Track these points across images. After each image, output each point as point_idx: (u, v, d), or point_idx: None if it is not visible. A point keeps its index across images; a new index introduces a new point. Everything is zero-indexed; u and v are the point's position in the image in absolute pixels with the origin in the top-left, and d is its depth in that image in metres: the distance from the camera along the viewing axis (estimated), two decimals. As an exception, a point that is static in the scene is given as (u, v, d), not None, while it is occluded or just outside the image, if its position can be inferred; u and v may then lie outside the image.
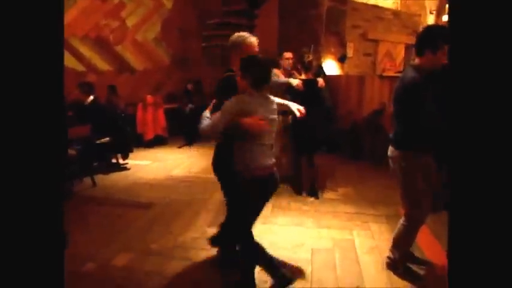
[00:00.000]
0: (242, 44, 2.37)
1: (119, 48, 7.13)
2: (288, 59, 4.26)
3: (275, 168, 2.23)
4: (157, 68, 7.69)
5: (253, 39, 2.39)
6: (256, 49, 2.39)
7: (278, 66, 4.34)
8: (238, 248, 2.35)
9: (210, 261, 2.74)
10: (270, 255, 2.34)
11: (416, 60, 2.29)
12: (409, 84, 2.25)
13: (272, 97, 2.26)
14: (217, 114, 2.08)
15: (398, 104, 2.36)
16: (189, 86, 6.99)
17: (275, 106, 2.23)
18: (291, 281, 2.35)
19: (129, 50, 7.28)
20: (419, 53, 2.27)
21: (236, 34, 2.43)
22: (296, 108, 2.46)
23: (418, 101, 2.20)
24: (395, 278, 2.54)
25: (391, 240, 2.62)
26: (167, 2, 7.68)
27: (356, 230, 3.29)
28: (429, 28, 2.51)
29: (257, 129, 2.06)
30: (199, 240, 3.04)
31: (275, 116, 2.20)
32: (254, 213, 2.24)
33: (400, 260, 2.60)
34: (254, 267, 2.34)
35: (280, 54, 4.41)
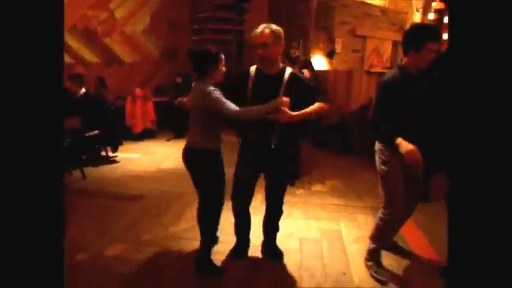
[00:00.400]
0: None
1: (107, 40, 7.07)
2: None
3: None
4: (146, 61, 7.64)
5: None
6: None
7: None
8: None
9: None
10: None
11: (404, 60, 2.30)
12: (386, 81, 2.27)
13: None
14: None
15: (375, 98, 2.38)
16: (178, 79, 6.97)
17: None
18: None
19: (117, 42, 7.22)
20: (405, 52, 2.27)
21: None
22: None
23: (392, 100, 2.21)
24: (361, 271, 2.64)
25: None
26: (156, -6, 7.63)
27: (343, 221, 3.40)
28: (413, 26, 2.52)
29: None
30: (191, 231, 3.09)
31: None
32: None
33: (374, 253, 2.58)
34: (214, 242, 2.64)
35: None
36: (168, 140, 6.51)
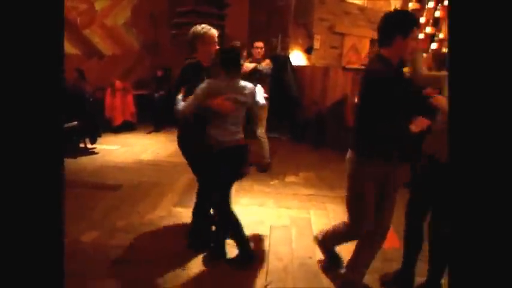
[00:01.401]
0: (205, 35, 2.57)
1: (86, 32, 7.03)
2: (257, 47, 4.62)
3: (243, 142, 2.52)
4: (126, 54, 7.63)
5: (214, 31, 2.61)
6: (216, 40, 2.62)
7: (250, 55, 4.70)
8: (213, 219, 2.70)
9: (175, 235, 2.92)
10: (242, 228, 2.57)
11: (383, 52, 1.99)
12: (378, 78, 1.93)
13: (245, 83, 2.52)
14: (192, 97, 2.34)
15: (361, 101, 2.05)
16: (159, 73, 7.01)
17: (247, 90, 2.48)
18: (252, 258, 2.58)
19: (97, 34, 7.18)
20: (387, 42, 1.97)
21: (199, 26, 2.63)
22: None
23: (385, 99, 1.90)
24: (345, 250, 2.81)
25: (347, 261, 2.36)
26: (137, -13, 7.61)
27: (313, 210, 3.57)
28: (396, 12, 2.17)
29: (222, 108, 2.32)
30: (166, 218, 3.21)
31: (244, 98, 2.46)
32: (227, 181, 2.53)
33: (358, 282, 2.26)
34: (226, 236, 2.64)
35: (252, 44, 4.80)
36: (148, 133, 6.56)
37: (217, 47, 2.63)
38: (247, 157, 2.61)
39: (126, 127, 6.58)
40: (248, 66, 4.34)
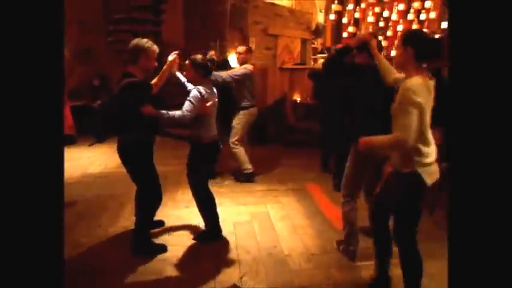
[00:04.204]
0: (149, 50, 2.69)
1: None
2: (241, 53, 4.57)
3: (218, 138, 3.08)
4: (56, 63, 7.26)
5: (156, 48, 2.76)
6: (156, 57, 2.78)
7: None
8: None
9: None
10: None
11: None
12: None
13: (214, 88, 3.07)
14: (189, 104, 2.75)
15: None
16: (96, 82, 6.81)
17: (215, 90, 3.04)
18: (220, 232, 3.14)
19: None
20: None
21: (143, 40, 2.72)
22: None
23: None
24: (305, 237, 3.13)
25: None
26: (62, -7, 7.27)
27: (269, 204, 3.85)
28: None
29: (210, 110, 2.89)
30: (130, 228, 3.25)
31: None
32: (207, 171, 3.14)
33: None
34: (218, 217, 3.11)
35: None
36: (90, 145, 6.33)
37: (156, 64, 2.78)
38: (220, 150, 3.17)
39: (66, 141, 6.30)
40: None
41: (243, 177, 4.53)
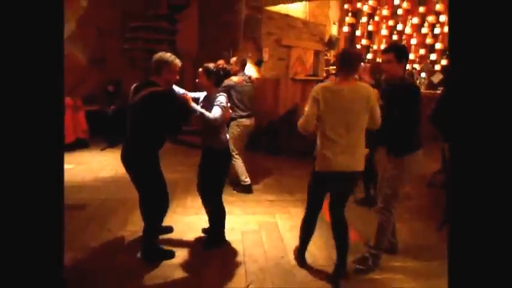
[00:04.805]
0: (172, 64, 2.77)
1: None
2: (231, 64, 4.54)
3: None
4: (72, 68, 7.40)
5: (179, 61, 2.83)
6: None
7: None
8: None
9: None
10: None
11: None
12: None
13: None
14: (219, 110, 2.86)
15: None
16: (110, 88, 6.92)
17: None
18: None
19: (41, 49, 6.92)
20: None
21: (167, 53, 2.80)
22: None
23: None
24: (313, 248, 3.10)
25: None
26: (82, 0, 7.45)
27: (278, 214, 3.84)
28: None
29: (229, 116, 3.18)
30: (139, 233, 3.26)
31: None
32: (220, 183, 3.10)
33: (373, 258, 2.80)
34: (224, 224, 3.16)
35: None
36: (102, 150, 6.44)
37: (178, 77, 2.85)
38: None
39: (79, 145, 6.40)
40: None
41: (239, 188, 4.50)
